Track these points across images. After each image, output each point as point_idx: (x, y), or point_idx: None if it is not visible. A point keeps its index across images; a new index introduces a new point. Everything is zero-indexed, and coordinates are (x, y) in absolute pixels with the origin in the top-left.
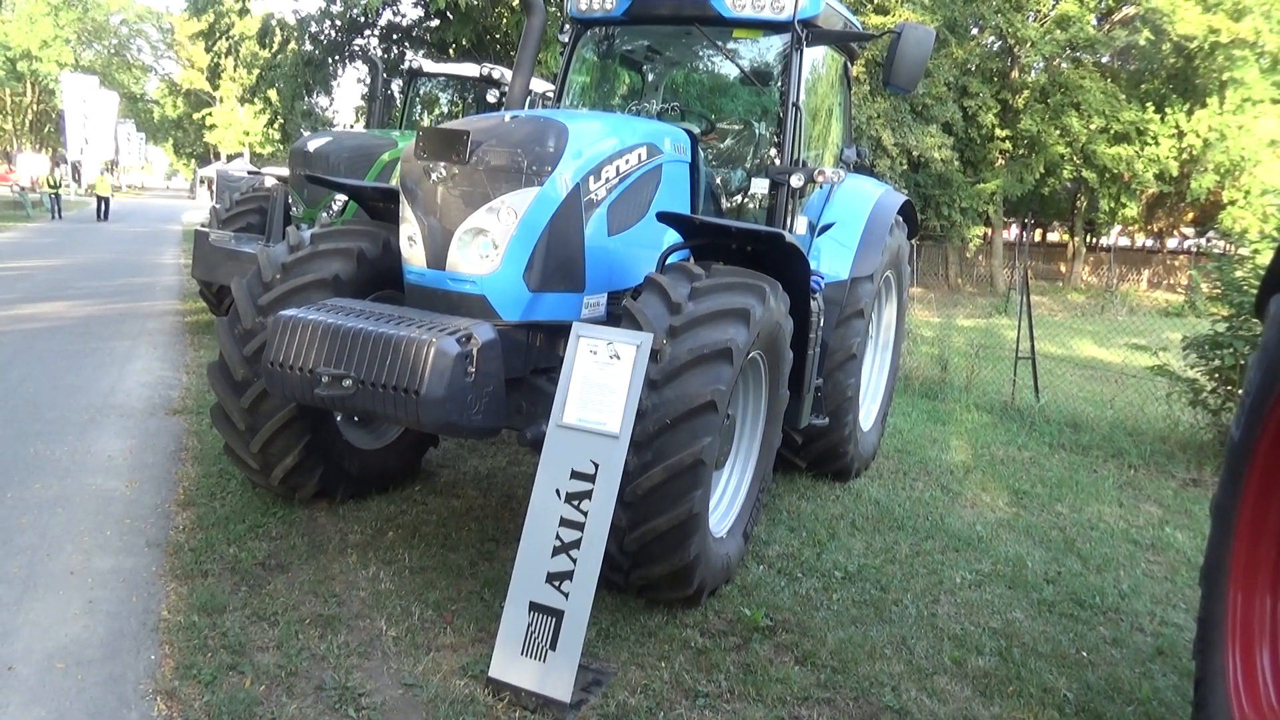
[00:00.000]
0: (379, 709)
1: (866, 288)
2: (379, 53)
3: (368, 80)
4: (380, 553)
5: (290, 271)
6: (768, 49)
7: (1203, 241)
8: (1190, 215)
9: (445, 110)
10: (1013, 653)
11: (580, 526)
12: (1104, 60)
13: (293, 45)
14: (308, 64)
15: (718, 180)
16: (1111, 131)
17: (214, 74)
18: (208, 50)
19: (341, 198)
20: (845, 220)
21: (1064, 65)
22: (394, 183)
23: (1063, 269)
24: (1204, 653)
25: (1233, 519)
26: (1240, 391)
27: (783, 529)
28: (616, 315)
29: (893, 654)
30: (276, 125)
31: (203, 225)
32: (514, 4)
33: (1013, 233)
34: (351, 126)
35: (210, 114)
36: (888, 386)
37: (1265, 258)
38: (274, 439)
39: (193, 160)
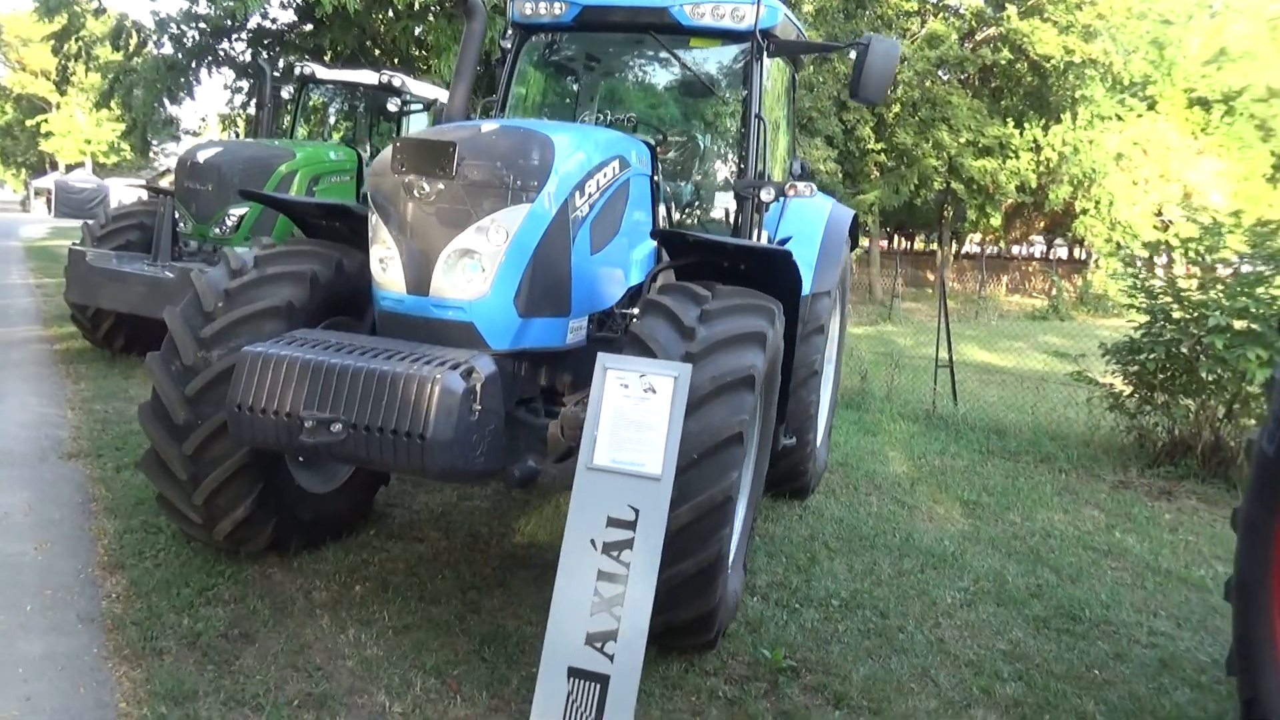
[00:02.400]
0: None
1: (825, 303)
2: (247, 57)
3: (234, 87)
4: (353, 611)
5: (235, 299)
6: (717, 59)
7: (1054, 249)
8: (1042, 224)
9: (333, 120)
10: (1033, 676)
11: (622, 580)
12: (964, 77)
13: (149, 48)
14: (170, 68)
15: (669, 192)
16: (978, 145)
17: (63, 78)
18: (55, 53)
19: (237, 212)
20: (802, 235)
21: (930, 82)
22: (291, 192)
23: (930, 276)
24: (1250, 671)
25: (1270, 534)
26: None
27: (761, 555)
28: (596, 339)
29: (919, 688)
30: (135, 134)
31: (76, 243)
32: (398, 7)
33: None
34: (222, 135)
35: (46, 121)
36: (832, 400)
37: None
38: (222, 489)
39: (24, 171)
